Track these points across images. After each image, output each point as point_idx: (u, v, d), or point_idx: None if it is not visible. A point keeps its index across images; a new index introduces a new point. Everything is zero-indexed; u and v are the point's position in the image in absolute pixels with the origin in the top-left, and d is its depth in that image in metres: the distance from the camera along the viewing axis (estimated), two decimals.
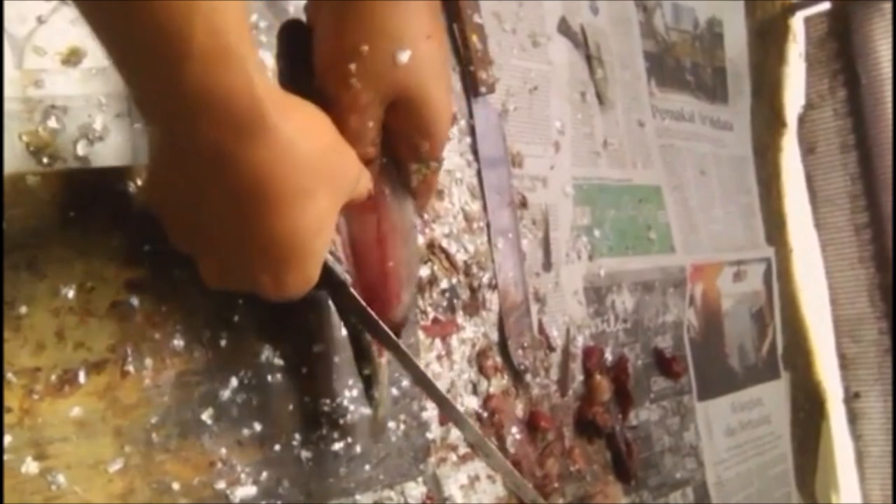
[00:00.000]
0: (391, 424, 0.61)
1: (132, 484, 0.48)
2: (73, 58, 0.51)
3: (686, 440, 0.93)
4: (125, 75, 0.40)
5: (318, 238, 0.45)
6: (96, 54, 0.51)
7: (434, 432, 0.67)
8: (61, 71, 0.51)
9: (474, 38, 0.75)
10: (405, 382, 0.63)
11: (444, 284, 0.70)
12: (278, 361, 0.55)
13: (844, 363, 1.19)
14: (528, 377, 0.76)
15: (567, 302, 0.82)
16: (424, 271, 0.69)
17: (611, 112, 0.92)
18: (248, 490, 0.53)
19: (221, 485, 0.52)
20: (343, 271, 0.51)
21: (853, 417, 1.18)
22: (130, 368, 0.49)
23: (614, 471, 0.83)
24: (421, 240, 0.69)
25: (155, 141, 0.43)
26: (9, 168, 0.47)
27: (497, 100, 0.78)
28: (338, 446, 0.58)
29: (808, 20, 1.19)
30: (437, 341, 0.69)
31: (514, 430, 0.73)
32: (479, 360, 0.72)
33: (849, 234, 1.18)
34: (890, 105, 1.12)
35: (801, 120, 1.20)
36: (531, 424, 0.75)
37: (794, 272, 1.17)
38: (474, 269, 0.73)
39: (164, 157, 0.43)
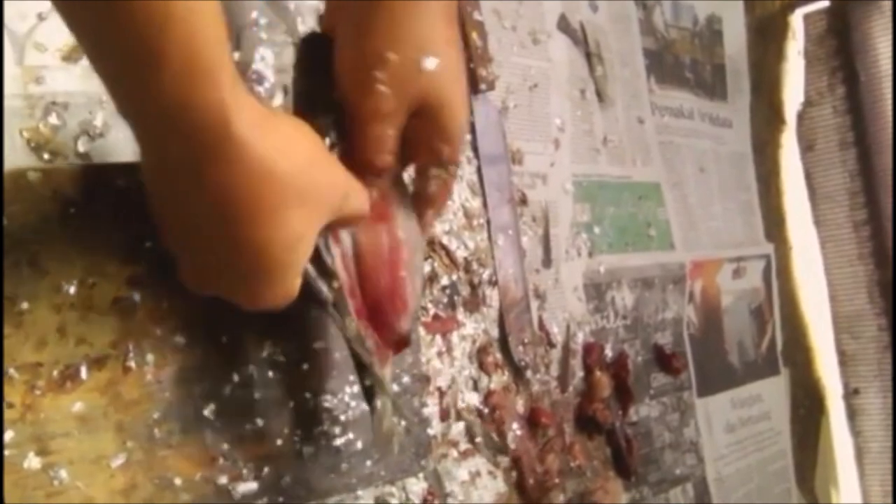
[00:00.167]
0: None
1: (134, 479, 0.48)
2: (73, 54, 0.51)
3: (686, 436, 0.94)
4: (102, 80, 0.39)
5: (293, 253, 0.45)
6: None
7: (435, 428, 0.67)
8: (62, 67, 0.51)
9: (474, 36, 0.75)
10: (406, 379, 0.63)
11: (444, 281, 0.70)
12: (279, 357, 0.55)
13: (844, 359, 1.19)
14: (529, 373, 0.76)
15: (567, 298, 0.82)
16: (425, 268, 0.69)
17: (610, 109, 0.92)
18: (250, 485, 0.53)
19: (223, 480, 0.52)
20: (328, 288, 0.50)
21: (852, 414, 1.19)
22: (132, 364, 0.49)
23: (614, 467, 0.83)
24: None
25: (137, 141, 0.43)
26: (10, 164, 0.47)
27: (497, 97, 0.79)
28: (339, 442, 0.58)
29: (807, 17, 1.20)
30: (438, 338, 0.69)
31: (515, 426, 0.73)
32: (479, 356, 0.72)
33: (848, 231, 1.18)
34: (889, 102, 1.12)
35: (801, 117, 1.20)
36: (532, 420, 0.75)
37: (794, 269, 1.17)
38: (474, 266, 0.73)
39: (144, 158, 0.43)
